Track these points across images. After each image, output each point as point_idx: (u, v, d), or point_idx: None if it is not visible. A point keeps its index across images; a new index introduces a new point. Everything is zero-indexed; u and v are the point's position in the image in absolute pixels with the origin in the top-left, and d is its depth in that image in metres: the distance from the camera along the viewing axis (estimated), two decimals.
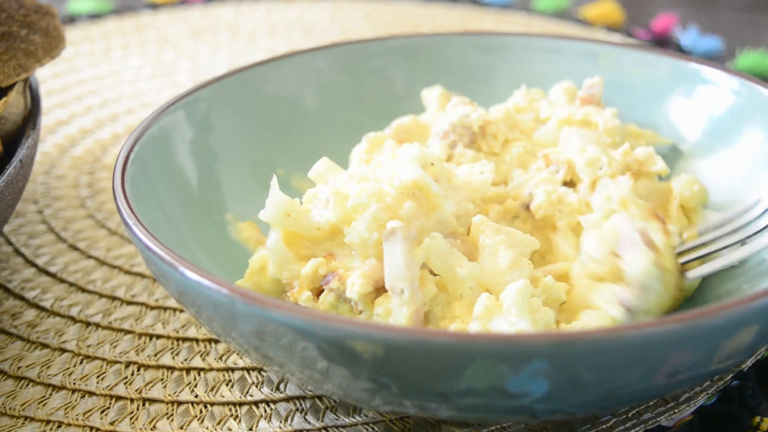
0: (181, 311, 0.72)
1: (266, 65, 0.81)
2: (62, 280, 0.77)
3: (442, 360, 0.47)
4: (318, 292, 0.62)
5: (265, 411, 0.62)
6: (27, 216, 0.87)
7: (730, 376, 0.63)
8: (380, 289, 0.59)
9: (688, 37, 1.25)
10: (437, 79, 0.84)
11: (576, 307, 0.60)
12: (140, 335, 0.70)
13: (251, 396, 0.64)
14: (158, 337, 0.70)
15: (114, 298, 0.74)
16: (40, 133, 0.94)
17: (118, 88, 1.15)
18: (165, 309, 0.73)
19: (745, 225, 0.65)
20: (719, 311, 0.47)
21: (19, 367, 0.67)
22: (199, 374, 0.66)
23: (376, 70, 0.86)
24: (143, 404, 0.63)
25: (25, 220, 0.86)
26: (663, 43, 1.27)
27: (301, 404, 0.63)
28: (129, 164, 0.65)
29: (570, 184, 0.70)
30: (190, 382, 0.65)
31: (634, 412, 0.60)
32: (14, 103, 0.75)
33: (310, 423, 0.61)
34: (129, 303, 0.74)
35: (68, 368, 0.67)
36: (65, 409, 0.63)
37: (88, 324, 0.72)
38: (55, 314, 0.73)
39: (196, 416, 0.62)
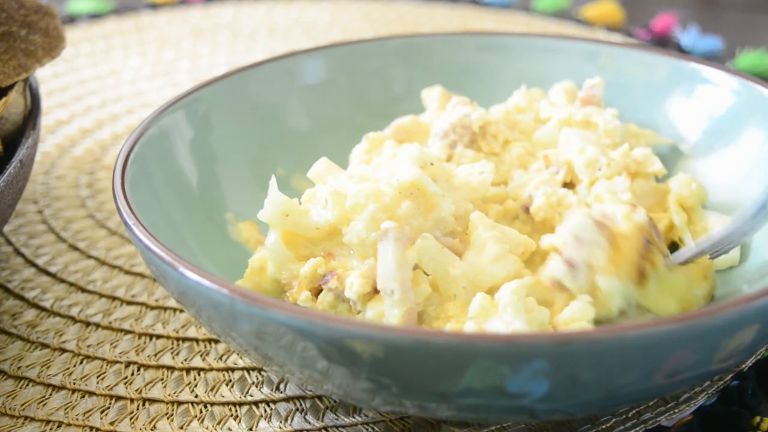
0: (181, 311, 0.72)
1: (266, 65, 0.81)
2: (62, 280, 0.77)
3: (442, 360, 0.47)
4: (317, 292, 0.62)
5: (265, 411, 0.62)
6: (27, 216, 0.87)
7: (730, 376, 0.63)
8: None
9: (688, 37, 1.25)
10: (437, 79, 0.84)
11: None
12: (140, 335, 0.70)
13: (251, 396, 0.64)
14: (158, 337, 0.70)
15: (114, 298, 0.74)
16: (40, 133, 0.94)
17: (118, 88, 1.15)
18: (165, 309, 0.73)
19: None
20: (719, 311, 0.47)
21: (19, 367, 0.67)
22: (199, 374, 0.66)
23: (376, 70, 0.86)
24: (143, 404, 0.63)
25: (25, 220, 0.86)
26: (663, 43, 1.27)
27: (301, 404, 0.63)
28: (129, 164, 0.65)
29: (570, 185, 0.70)
30: (190, 382, 0.65)
31: (634, 412, 0.60)
32: (14, 103, 0.75)
33: (310, 423, 0.61)
34: (129, 303, 0.74)
35: (68, 368, 0.67)
36: (65, 409, 0.63)
37: (88, 324, 0.72)
38: (55, 314, 0.73)
39: (196, 416, 0.62)
